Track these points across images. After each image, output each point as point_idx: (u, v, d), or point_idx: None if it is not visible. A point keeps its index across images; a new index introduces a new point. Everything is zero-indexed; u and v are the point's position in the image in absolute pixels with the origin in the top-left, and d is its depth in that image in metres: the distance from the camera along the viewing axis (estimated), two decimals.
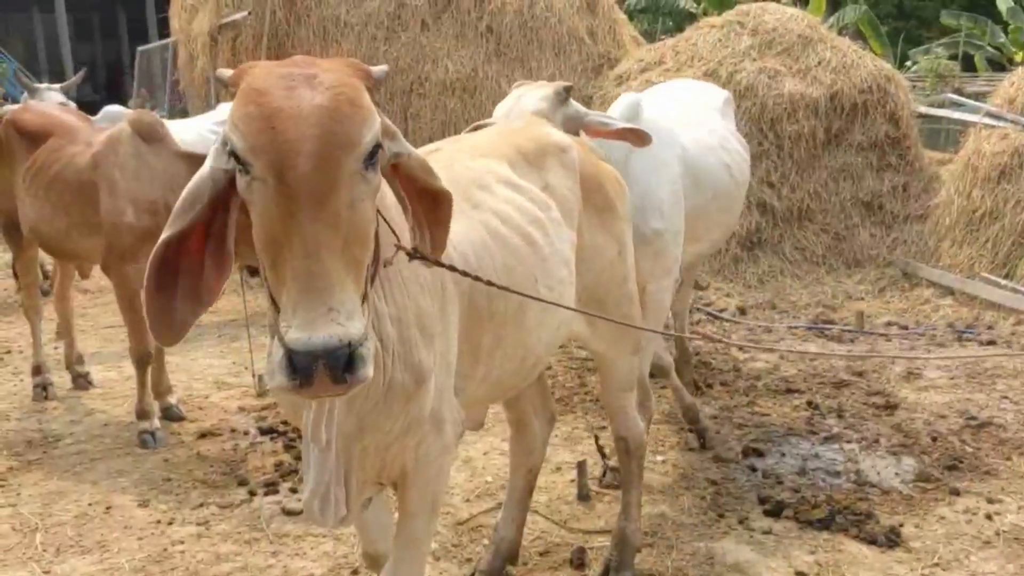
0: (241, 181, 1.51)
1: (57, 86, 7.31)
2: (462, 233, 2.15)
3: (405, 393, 1.91)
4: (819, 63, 8.08)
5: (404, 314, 1.90)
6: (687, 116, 4.31)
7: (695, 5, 19.82)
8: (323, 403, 1.73)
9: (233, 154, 1.50)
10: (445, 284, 2.07)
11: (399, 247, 1.83)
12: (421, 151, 2.44)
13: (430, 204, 1.80)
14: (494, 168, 2.47)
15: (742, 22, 8.45)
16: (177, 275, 1.64)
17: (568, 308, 2.49)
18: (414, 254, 1.82)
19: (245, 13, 8.27)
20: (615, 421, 3.17)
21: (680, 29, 11.73)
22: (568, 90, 3.40)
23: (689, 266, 4.59)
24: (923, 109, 9.00)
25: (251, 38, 8.55)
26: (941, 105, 9.91)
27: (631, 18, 15.15)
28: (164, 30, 22.40)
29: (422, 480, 2.12)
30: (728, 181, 4.25)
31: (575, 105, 3.41)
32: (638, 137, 3.37)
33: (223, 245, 1.65)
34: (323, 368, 1.38)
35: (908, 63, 18.26)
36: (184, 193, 1.62)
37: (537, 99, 3.32)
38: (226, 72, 1.62)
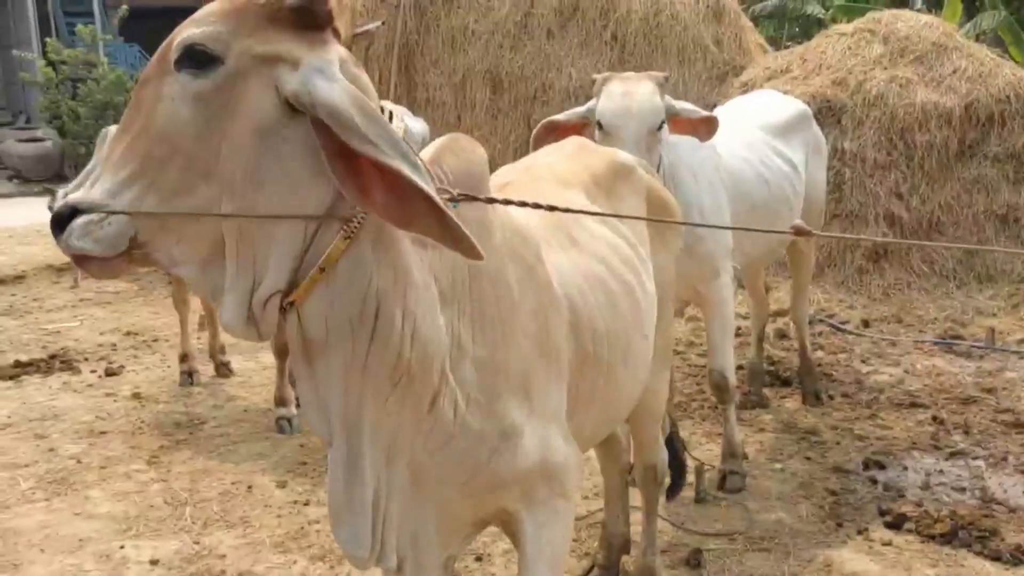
0: None
1: None
2: (568, 271, 2.07)
3: (487, 445, 1.78)
4: (954, 72, 7.85)
5: (495, 360, 1.77)
6: (728, 128, 4.30)
7: (823, 11, 19.39)
8: (309, 377, 1.62)
9: None
10: (555, 328, 1.93)
11: (442, 189, 1.59)
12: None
13: (385, 191, 1.42)
14: (580, 200, 2.32)
15: (873, 30, 8.28)
16: None
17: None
18: (456, 197, 1.63)
19: (379, 23, 8.60)
20: (647, 450, 3.04)
21: (807, 36, 11.55)
22: (666, 79, 3.58)
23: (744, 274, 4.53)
24: None
25: (383, 47, 8.90)
26: None
27: (756, 24, 14.97)
28: None
29: (536, 522, 1.95)
30: (766, 195, 4.20)
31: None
32: (711, 127, 3.56)
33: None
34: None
35: None
36: None
37: (652, 91, 3.42)
38: None
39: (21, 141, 20.28)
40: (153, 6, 28.14)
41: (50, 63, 21.03)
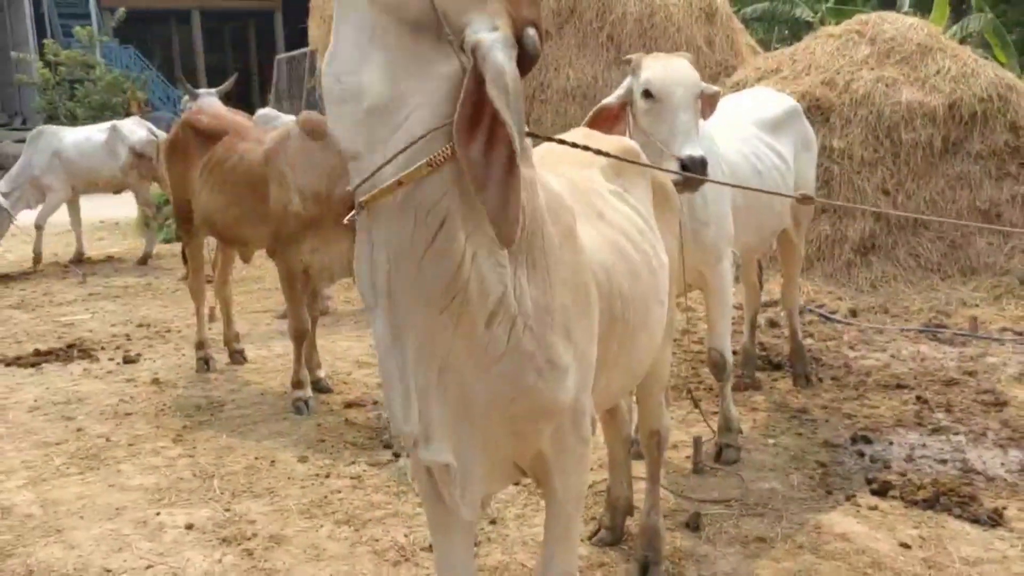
0: None
1: (214, 91, 8.01)
2: (598, 241, 2.26)
3: (534, 366, 1.92)
4: (938, 72, 8.14)
5: (544, 300, 1.93)
6: (724, 123, 4.51)
7: (812, 15, 19.70)
8: (365, 238, 1.80)
9: None
10: (589, 286, 2.11)
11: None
12: None
13: (483, 150, 1.65)
14: (598, 179, 2.53)
15: (860, 31, 8.57)
16: None
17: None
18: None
19: None
20: (652, 417, 3.24)
21: (796, 38, 11.83)
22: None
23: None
24: None
25: None
26: None
27: (747, 26, 15.25)
28: (291, 41, 23.46)
29: (563, 467, 2.17)
30: (760, 186, 4.43)
31: None
32: (714, 103, 3.81)
33: None
34: None
35: None
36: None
37: (689, 64, 3.68)
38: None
39: (17, 142, 20.49)
40: (150, 8, 28.42)
41: (47, 64, 21.26)
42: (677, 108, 3.53)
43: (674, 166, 3.38)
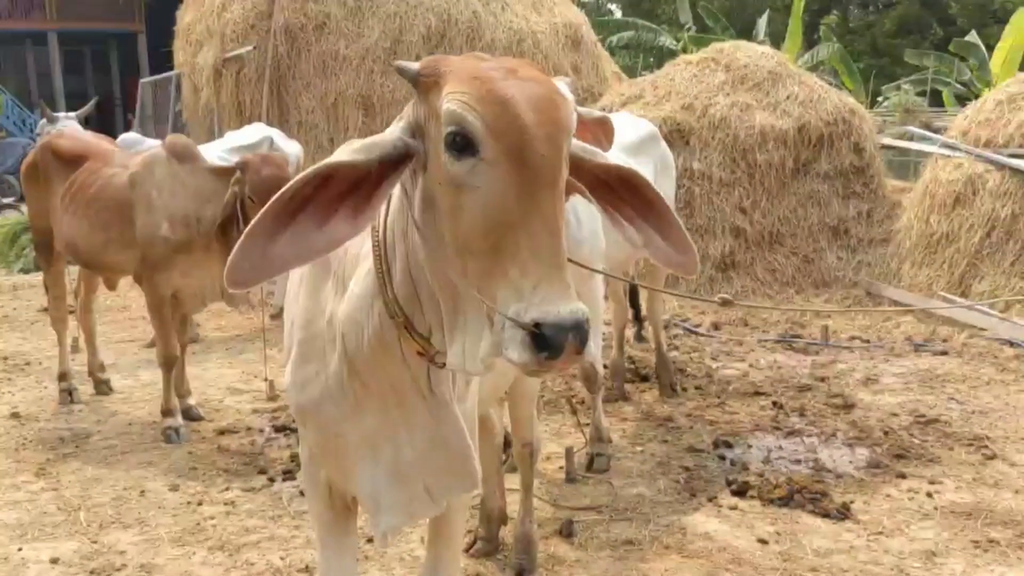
0: (457, 165, 1.47)
1: (73, 114, 7.77)
2: None
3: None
4: (787, 97, 8.66)
5: None
6: None
7: (675, 43, 20.56)
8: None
9: (458, 137, 1.46)
10: None
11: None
12: None
13: (624, 193, 1.81)
14: None
15: (716, 59, 9.04)
16: (296, 215, 1.56)
17: None
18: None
19: (249, 48, 8.77)
20: (523, 429, 3.39)
21: (661, 65, 12.35)
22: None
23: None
24: (886, 140, 9.59)
25: (254, 71, 9.07)
26: (907, 137, 10.49)
27: (613, 54, 15.82)
28: (155, 64, 22.85)
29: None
30: None
31: None
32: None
33: (365, 208, 1.57)
34: (572, 340, 1.38)
35: (879, 98, 19.01)
36: (364, 141, 1.59)
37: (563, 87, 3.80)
38: (411, 64, 1.59)
39: None
40: (3, 30, 27.13)
41: None
42: None
43: None
